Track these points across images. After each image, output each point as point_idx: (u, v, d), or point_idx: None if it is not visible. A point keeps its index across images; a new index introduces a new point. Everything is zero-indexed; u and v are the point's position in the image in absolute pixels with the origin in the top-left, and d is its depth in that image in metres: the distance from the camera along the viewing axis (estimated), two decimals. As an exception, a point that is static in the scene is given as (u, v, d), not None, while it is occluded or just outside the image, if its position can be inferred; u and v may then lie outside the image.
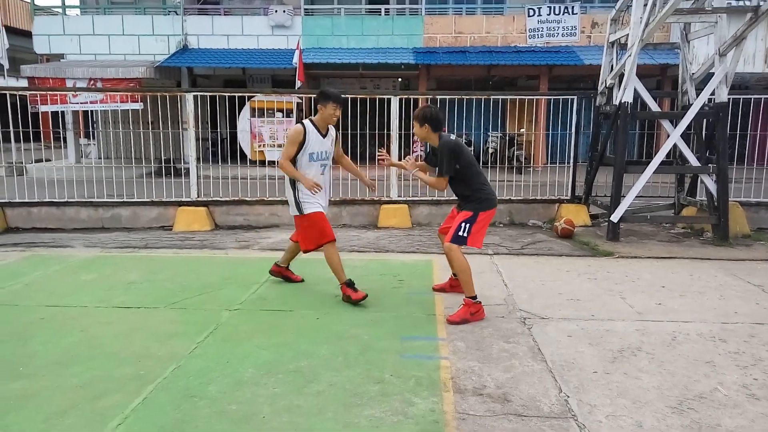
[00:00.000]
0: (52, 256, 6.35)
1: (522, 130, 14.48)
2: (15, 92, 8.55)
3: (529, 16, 16.24)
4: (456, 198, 4.53)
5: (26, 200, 7.90)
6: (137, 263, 6.04)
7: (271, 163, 13.16)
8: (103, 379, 3.28)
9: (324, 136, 4.66)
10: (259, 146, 14.74)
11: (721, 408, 2.96)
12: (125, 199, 8.02)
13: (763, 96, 7.78)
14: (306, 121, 4.61)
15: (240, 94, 8.79)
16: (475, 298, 4.24)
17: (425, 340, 3.89)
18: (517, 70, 16.96)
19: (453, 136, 4.32)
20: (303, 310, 4.50)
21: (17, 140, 8.41)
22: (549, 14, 16.13)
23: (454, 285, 4.86)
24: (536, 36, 16.31)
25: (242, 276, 5.55)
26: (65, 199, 7.95)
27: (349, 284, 4.59)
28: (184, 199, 8.01)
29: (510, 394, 3.10)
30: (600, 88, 7.83)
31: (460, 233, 4.24)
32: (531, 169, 11.94)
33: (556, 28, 16.13)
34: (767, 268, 5.87)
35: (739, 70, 15.58)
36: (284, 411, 2.92)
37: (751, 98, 7.81)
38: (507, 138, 14.60)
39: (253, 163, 13.13)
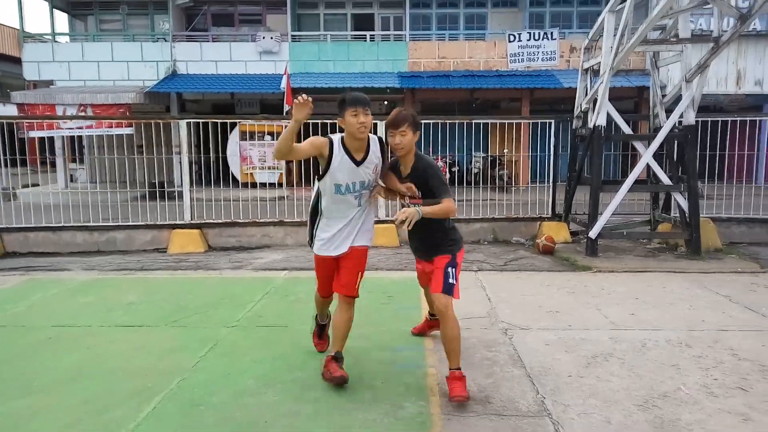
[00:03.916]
0: (51, 279, 6.54)
1: (505, 150, 14.92)
2: (11, 120, 8.77)
3: (509, 41, 16.82)
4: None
5: (23, 225, 8.09)
6: (135, 285, 6.25)
7: (262, 185, 13.40)
8: (111, 392, 3.50)
9: (359, 162, 3.41)
10: (249, 169, 15.04)
11: (682, 405, 3.25)
12: (120, 223, 8.24)
13: (729, 118, 8.23)
14: (335, 136, 3.42)
15: (231, 121, 9.10)
16: (459, 368, 3.39)
17: (413, 350, 4.16)
18: (499, 93, 17.52)
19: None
20: (297, 326, 4.73)
21: (5, 165, 8.59)
22: (529, 39, 16.72)
23: (433, 325, 4.33)
24: (517, 60, 16.87)
25: (237, 295, 5.78)
26: (61, 224, 8.15)
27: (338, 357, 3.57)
28: (177, 222, 8.25)
29: (491, 396, 3.38)
30: (576, 112, 8.25)
31: (450, 280, 3.45)
32: (514, 189, 12.32)
33: (536, 53, 16.71)
34: (735, 280, 6.22)
35: (712, 91, 16.32)
36: (284, 416, 3.16)
37: (718, 120, 8.25)
38: (490, 159, 15.03)
39: (243, 185, 13.40)
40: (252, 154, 15.37)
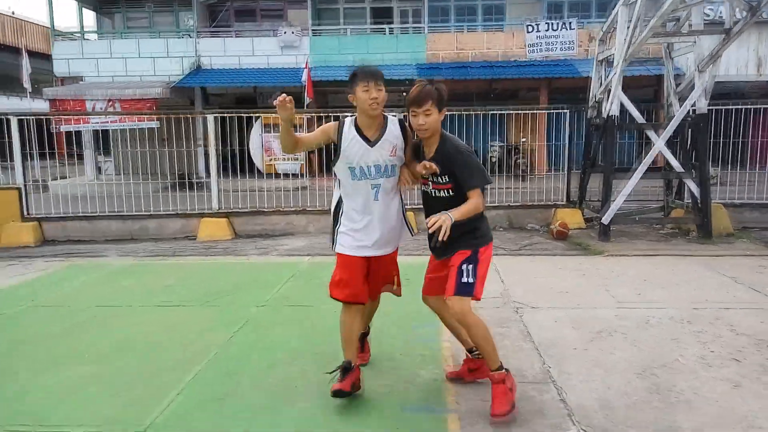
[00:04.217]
0: (91, 264, 6.99)
1: (523, 139, 15.08)
2: (47, 116, 9.24)
3: (528, 31, 16.89)
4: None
5: (61, 214, 8.57)
6: (168, 269, 6.66)
7: (285, 175, 13.78)
8: (156, 362, 3.88)
9: (373, 142, 3.09)
10: (270, 160, 15.45)
11: (679, 374, 3.52)
12: (152, 212, 8.68)
13: (743, 106, 8.34)
14: (347, 118, 3.20)
15: (255, 114, 9.45)
16: (501, 367, 3.04)
17: (430, 327, 4.46)
18: (517, 83, 17.60)
19: None
20: (321, 306, 5.06)
21: (37, 158, 9.05)
22: (547, 30, 16.78)
23: (473, 368, 3.41)
24: (535, 50, 16.95)
25: (265, 278, 6.14)
26: (96, 213, 8.62)
27: (346, 368, 3.22)
28: (206, 211, 8.66)
29: (501, 366, 3.67)
30: (590, 102, 8.44)
31: (465, 279, 2.97)
32: (531, 177, 12.48)
33: (555, 43, 16.76)
34: (743, 263, 6.40)
35: (733, 78, 16.22)
36: (312, 384, 3.50)
37: (732, 108, 8.37)
38: (508, 147, 15.19)
39: (267, 176, 13.79)
40: (274, 145, 15.73)
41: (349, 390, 3.14)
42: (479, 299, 3.08)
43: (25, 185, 8.44)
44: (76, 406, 3.24)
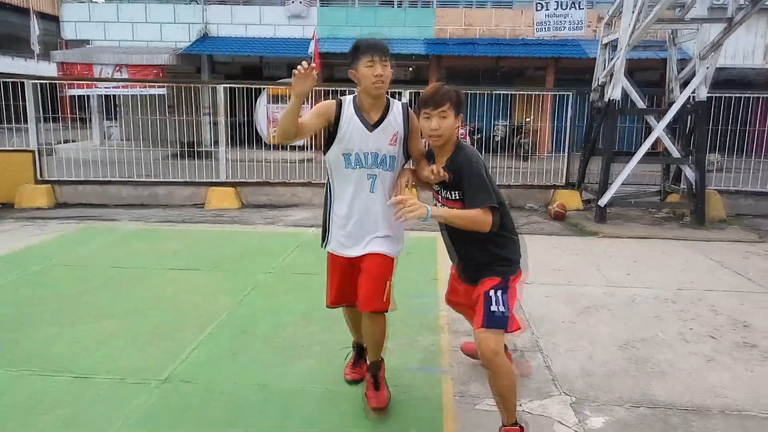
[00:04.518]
0: (104, 227, 7.25)
1: (527, 119, 15.21)
2: (65, 81, 9.38)
3: (537, 9, 16.82)
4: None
5: (73, 179, 8.80)
6: (178, 235, 6.92)
7: (291, 147, 13.99)
8: (172, 320, 4.16)
9: (373, 125, 2.75)
10: (275, 131, 15.61)
11: (657, 347, 3.80)
12: (161, 180, 8.90)
13: (743, 94, 8.50)
14: (347, 97, 2.82)
15: (265, 86, 9.59)
16: (516, 423, 2.64)
17: (427, 297, 4.74)
18: (524, 62, 17.62)
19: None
20: (325, 274, 5.33)
21: (45, 121, 9.19)
22: (557, 8, 16.71)
23: None
24: (544, 29, 16.90)
25: (271, 247, 6.41)
26: (108, 178, 8.85)
27: (358, 350, 3.34)
28: (214, 180, 8.88)
29: (493, 335, 3.95)
30: (593, 85, 8.59)
31: (495, 307, 2.58)
32: (534, 157, 12.66)
33: (563, 22, 16.71)
34: (732, 248, 6.65)
35: (739, 65, 16.26)
36: (317, 343, 3.79)
37: (732, 96, 8.52)
38: (513, 127, 15.33)
39: (271, 147, 13.98)
40: (279, 116, 15.90)
41: (360, 379, 3.21)
42: (516, 333, 2.73)
43: (38, 149, 8.64)
44: (102, 357, 3.53)
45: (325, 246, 3.01)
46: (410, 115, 2.83)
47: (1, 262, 5.57)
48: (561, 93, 9.04)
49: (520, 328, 2.76)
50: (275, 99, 15.19)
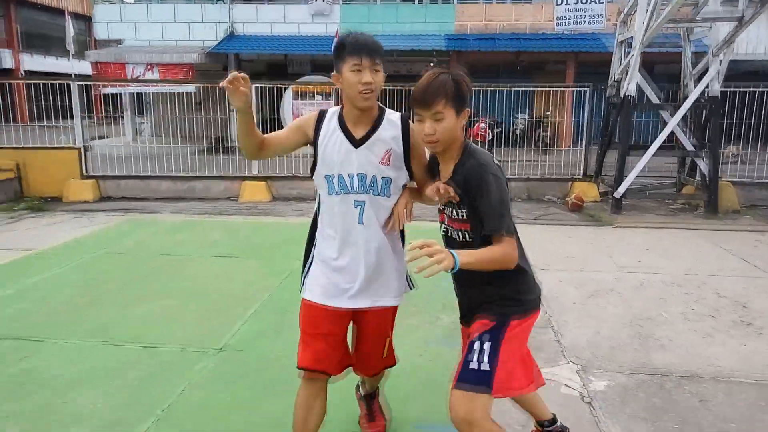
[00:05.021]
0: (147, 220, 7.80)
1: (547, 113, 15.45)
2: (106, 81, 9.96)
3: (557, 4, 17.02)
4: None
5: (116, 174, 9.39)
6: (216, 226, 7.44)
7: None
8: (219, 301, 4.64)
9: (359, 141, 2.24)
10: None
11: (659, 325, 4.16)
12: (198, 174, 9.45)
13: (756, 89, 8.71)
14: (332, 108, 2.33)
15: (292, 85, 10.05)
16: None
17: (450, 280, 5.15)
18: (544, 56, 17.83)
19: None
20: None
21: (70, 118, 9.69)
22: (576, 3, 16.89)
23: None
24: (563, 23, 17.11)
25: (302, 237, 6.84)
26: (148, 173, 9.42)
27: None
28: (247, 174, 9.40)
29: (510, 314, 4.36)
30: (610, 81, 8.87)
31: (474, 364, 2.03)
32: (555, 150, 12.92)
33: (583, 16, 16.90)
34: (742, 237, 6.93)
35: (760, 57, 16.25)
36: (351, 321, 4.24)
37: (747, 90, 8.74)
38: (532, 120, 15.60)
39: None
40: (304, 112, 16.40)
41: None
42: (501, 396, 2.16)
43: (84, 146, 9.24)
44: (163, 330, 4.03)
45: (303, 292, 2.40)
46: (410, 127, 2.26)
47: (60, 250, 6.14)
48: (578, 88, 9.33)
49: (525, 388, 2.22)
50: (301, 95, 15.70)
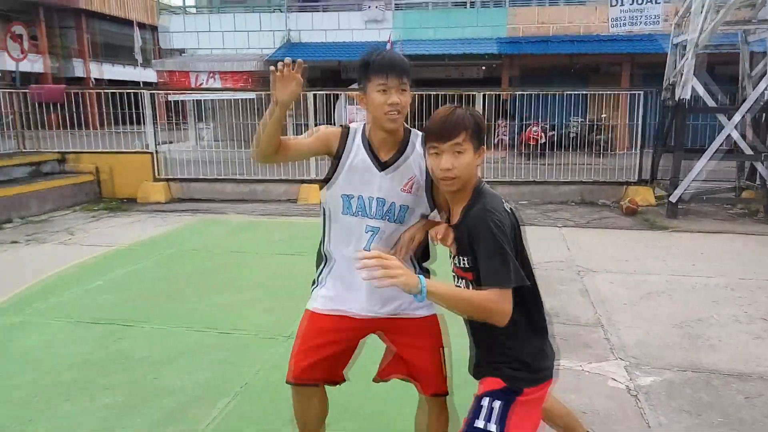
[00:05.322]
0: (215, 219, 8.34)
1: (603, 115, 15.29)
2: (175, 90, 10.63)
3: (611, 5, 16.79)
4: None
5: (184, 176, 10.03)
6: (278, 226, 7.88)
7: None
8: (287, 292, 5.00)
9: (384, 164, 2.14)
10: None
11: (710, 326, 4.25)
12: (259, 177, 9.98)
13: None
14: (355, 125, 2.23)
15: (347, 92, 10.45)
16: None
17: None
18: (599, 58, 17.64)
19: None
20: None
21: (143, 124, 10.33)
22: (632, 3, 16.63)
23: None
24: (618, 25, 16.85)
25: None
26: (215, 176, 10.01)
27: None
28: (305, 177, 9.85)
29: (559, 313, 4.53)
30: (665, 84, 8.83)
31: (479, 423, 1.85)
32: (606, 154, 12.82)
33: (639, 17, 16.61)
34: (803, 243, 6.82)
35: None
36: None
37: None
38: (587, 124, 15.45)
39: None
40: (358, 117, 16.83)
41: None
42: None
43: (156, 150, 9.91)
44: (238, 318, 4.43)
45: (310, 304, 2.38)
46: None
47: (140, 246, 6.70)
48: (631, 92, 9.32)
49: None
50: (353, 101, 16.13)
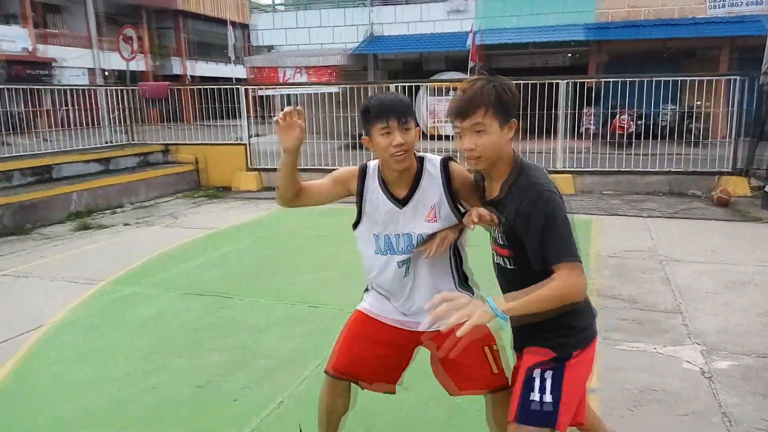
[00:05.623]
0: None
1: (698, 102, 14.50)
2: (266, 86, 11.29)
3: (710, -15, 15.89)
4: None
5: (274, 167, 10.65)
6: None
7: (447, 137, 14.97)
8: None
9: (402, 202, 2.16)
10: (433, 122, 16.71)
11: (798, 317, 4.14)
12: (337, 167, 10.42)
13: None
14: (371, 164, 2.27)
15: (427, 83, 10.65)
16: None
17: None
18: (695, 42, 16.70)
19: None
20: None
21: (238, 118, 11.01)
22: (733, -18, 15.65)
23: None
24: (717, 6, 15.95)
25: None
26: (300, 166, 10.54)
27: None
28: (386, 167, 10.18)
29: (638, 300, 4.56)
30: (763, 68, 8.34)
31: (535, 396, 1.83)
32: (697, 142, 12.21)
33: (741, -3, 15.61)
34: None
35: None
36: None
37: None
38: (681, 111, 14.72)
39: (428, 137, 15.10)
40: (439, 108, 16.97)
41: None
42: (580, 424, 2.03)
43: (249, 142, 10.61)
44: (324, 293, 4.82)
45: (360, 304, 2.45)
46: (451, 171, 2.14)
47: (235, 230, 7.31)
48: (726, 77, 8.88)
49: (580, 424, 2.03)
50: (438, 92, 16.29)
